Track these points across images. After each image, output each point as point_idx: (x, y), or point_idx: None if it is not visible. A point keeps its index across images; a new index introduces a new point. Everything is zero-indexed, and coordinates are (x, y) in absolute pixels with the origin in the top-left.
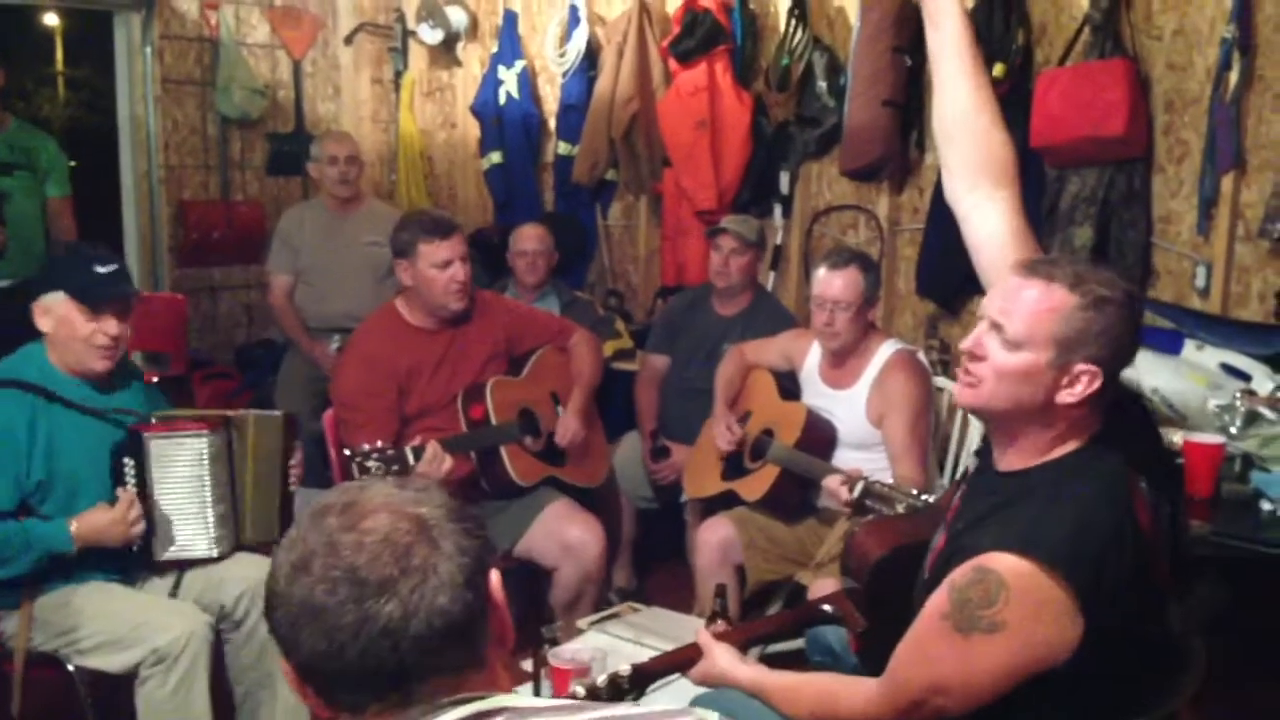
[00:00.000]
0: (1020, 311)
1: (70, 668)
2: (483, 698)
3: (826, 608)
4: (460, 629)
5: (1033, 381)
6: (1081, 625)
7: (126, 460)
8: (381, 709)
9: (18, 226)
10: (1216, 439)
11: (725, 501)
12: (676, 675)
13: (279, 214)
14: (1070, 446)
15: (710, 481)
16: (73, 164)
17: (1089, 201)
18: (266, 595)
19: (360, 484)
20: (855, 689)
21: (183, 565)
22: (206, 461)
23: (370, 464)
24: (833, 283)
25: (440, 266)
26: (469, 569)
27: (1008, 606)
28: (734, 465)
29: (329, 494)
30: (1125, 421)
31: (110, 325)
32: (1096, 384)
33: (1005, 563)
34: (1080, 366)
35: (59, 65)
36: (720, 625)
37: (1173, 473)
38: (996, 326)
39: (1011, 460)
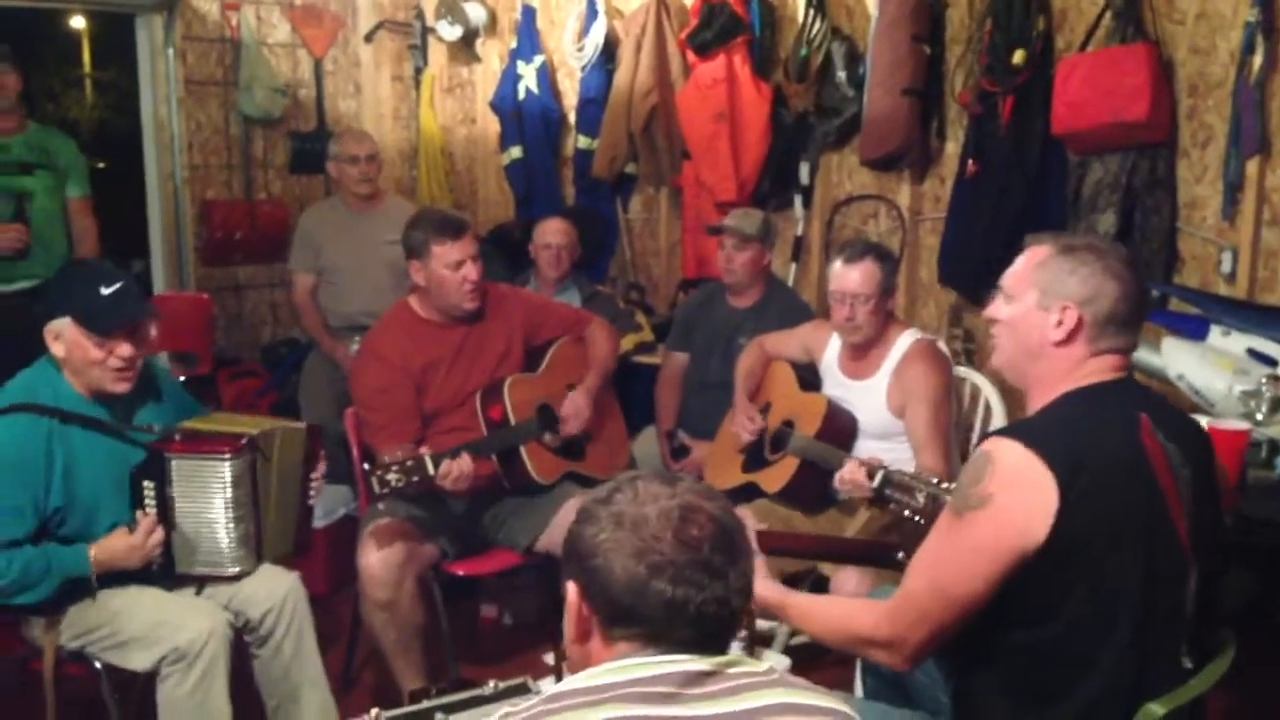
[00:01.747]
0: (1013, 271)
1: (97, 665)
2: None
3: (900, 555)
4: (742, 610)
5: (1027, 325)
6: (1057, 500)
7: (146, 483)
8: (646, 647)
9: (41, 226)
10: (1242, 425)
11: (746, 493)
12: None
13: (302, 212)
14: (1075, 386)
15: (731, 473)
16: (100, 165)
17: (1112, 188)
18: (588, 538)
19: (656, 475)
20: (873, 608)
21: (203, 580)
22: (229, 484)
23: (390, 477)
24: (850, 276)
25: (453, 267)
26: (752, 566)
27: (993, 479)
28: (754, 457)
29: (645, 478)
30: (1151, 395)
31: (123, 349)
32: (1074, 319)
33: (993, 443)
34: (1061, 305)
35: (86, 68)
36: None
37: (1203, 451)
38: (1000, 290)
39: (1035, 407)
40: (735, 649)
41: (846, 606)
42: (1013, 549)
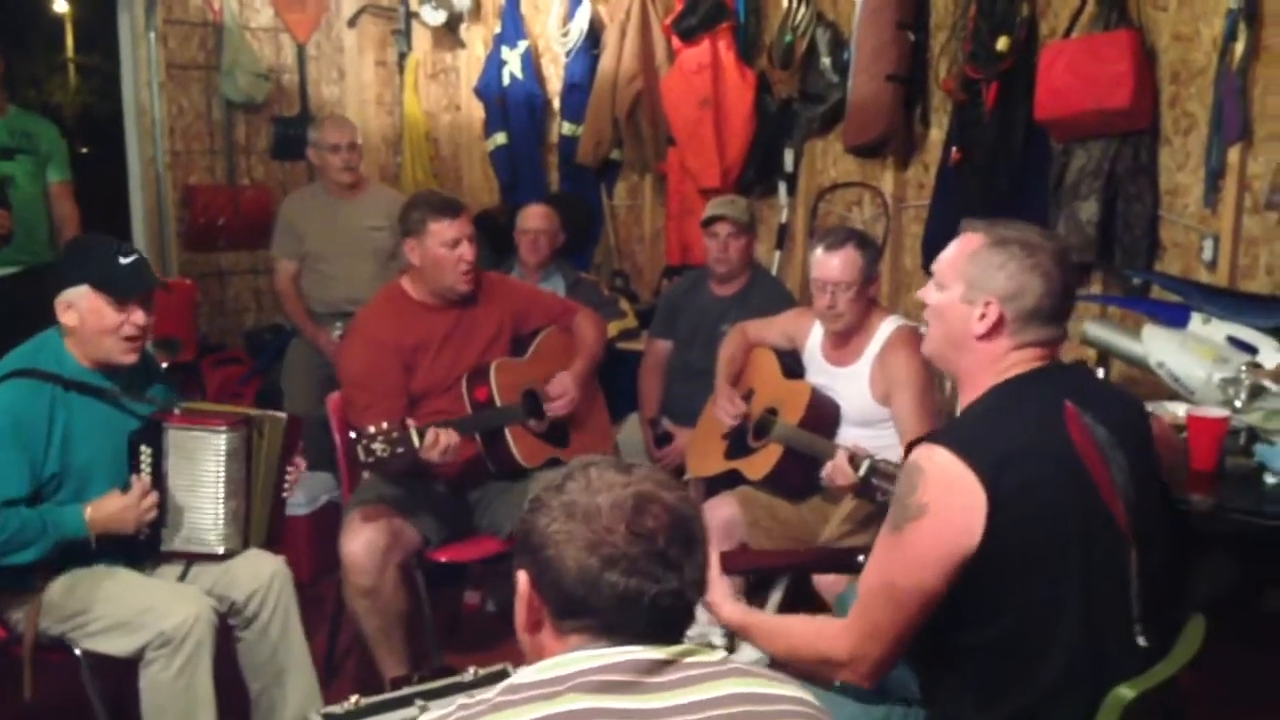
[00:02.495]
0: (945, 258)
1: (77, 652)
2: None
3: (860, 558)
4: (696, 603)
5: (953, 315)
6: (985, 501)
7: (143, 448)
8: (598, 639)
9: (23, 211)
10: (1220, 412)
11: (729, 480)
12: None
13: (285, 197)
14: (1001, 379)
15: (713, 460)
16: (84, 150)
17: (1094, 175)
18: (540, 528)
19: (613, 462)
20: (832, 626)
21: (190, 558)
22: (224, 458)
23: (375, 446)
24: (830, 264)
25: (450, 245)
26: (706, 558)
27: (926, 489)
28: (737, 444)
29: (601, 465)
30: (1078, 377)
31: (138, 316)
32: (996, 314)
33: (921, 451)
34: (984, 299)
35: (70, 52)
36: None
37: (1137, 429)
38: (932, 276)
39: (965, 402)
40: (717, 638)
41: (808, 626)
42: (954, 553)
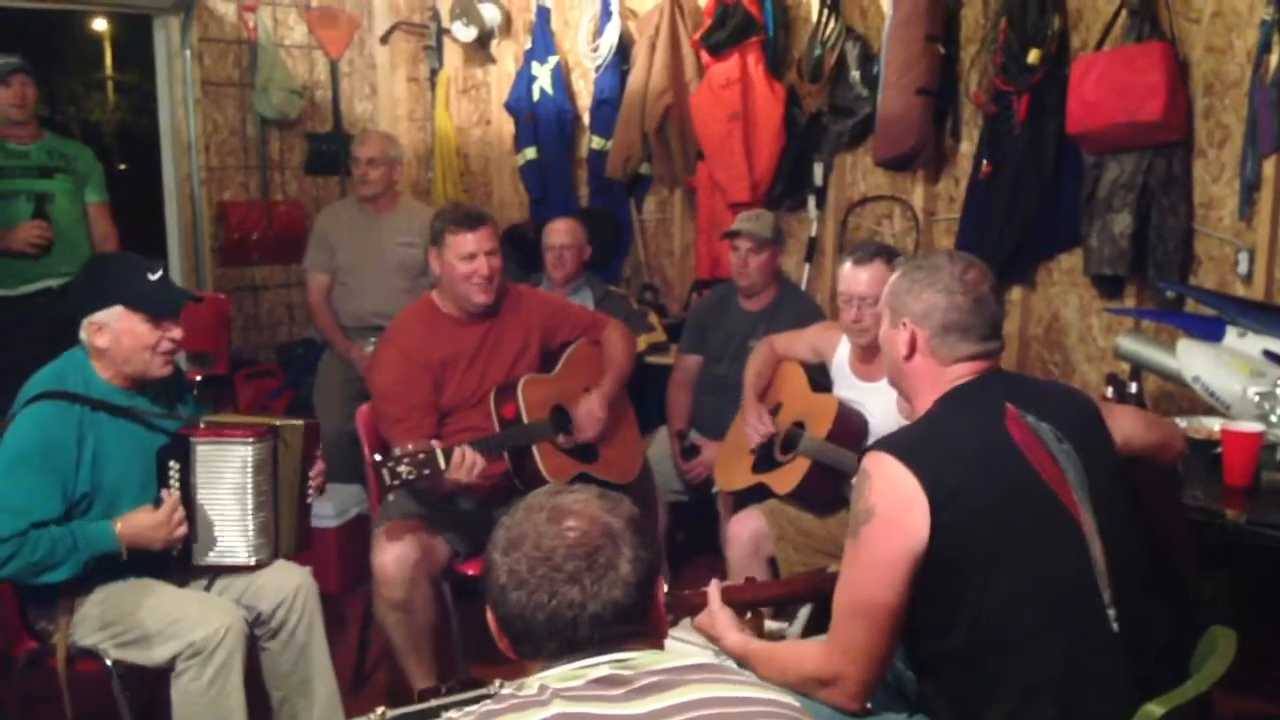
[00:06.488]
0: (882, 294)
1: (108, 662)
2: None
3: None
4: (626, 615)
5: (888, 343)
6: (926, 500)
7: (172, 464)
8: (551, 661)
9: (64, 228)
10: (1256, 427)
11: (757, 494)
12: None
13: (318, 213)
14: (941, 393)
15: (741, 474)
16: (121, 167)
17: (1127, 188)
18: (487, 560)
19: (566, 489)
20: (814, 647)
21: (221, 571)
22: (250, 469)
23: (401, 469)
24: (858, 278)
25: (465, 259)
26: (641, 573)
27: (873, 491)
28: (765, 458)
29: (540, 493)
30: (1018, 381)
31: (174, 331)
32: (910, 334)
33: (869, 459)
34: (903, 322)
35: (108, 70)
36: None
37: (1081, 420)
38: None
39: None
40: (712, 656)
41: (795, 648)
42: (904, 550)
